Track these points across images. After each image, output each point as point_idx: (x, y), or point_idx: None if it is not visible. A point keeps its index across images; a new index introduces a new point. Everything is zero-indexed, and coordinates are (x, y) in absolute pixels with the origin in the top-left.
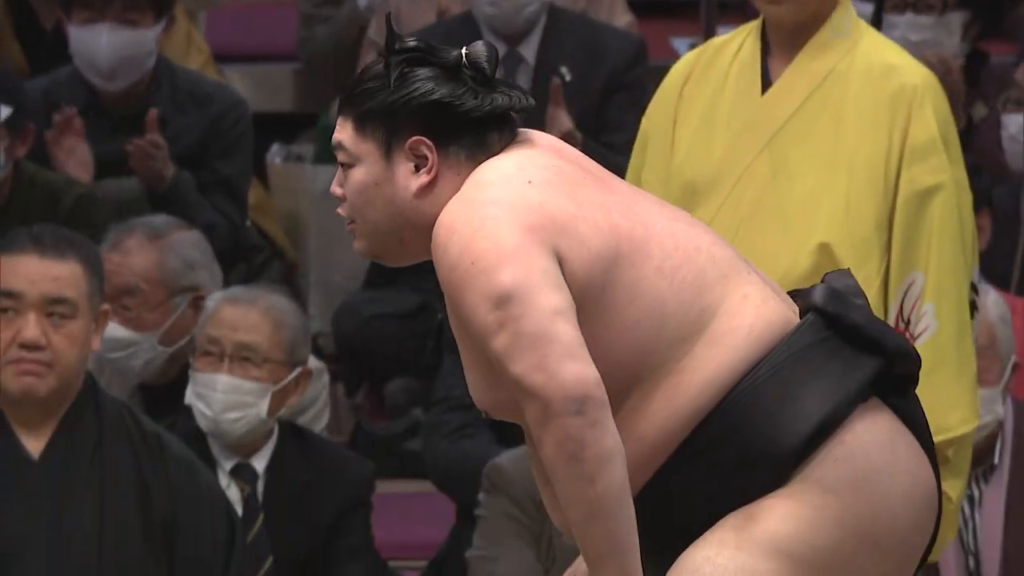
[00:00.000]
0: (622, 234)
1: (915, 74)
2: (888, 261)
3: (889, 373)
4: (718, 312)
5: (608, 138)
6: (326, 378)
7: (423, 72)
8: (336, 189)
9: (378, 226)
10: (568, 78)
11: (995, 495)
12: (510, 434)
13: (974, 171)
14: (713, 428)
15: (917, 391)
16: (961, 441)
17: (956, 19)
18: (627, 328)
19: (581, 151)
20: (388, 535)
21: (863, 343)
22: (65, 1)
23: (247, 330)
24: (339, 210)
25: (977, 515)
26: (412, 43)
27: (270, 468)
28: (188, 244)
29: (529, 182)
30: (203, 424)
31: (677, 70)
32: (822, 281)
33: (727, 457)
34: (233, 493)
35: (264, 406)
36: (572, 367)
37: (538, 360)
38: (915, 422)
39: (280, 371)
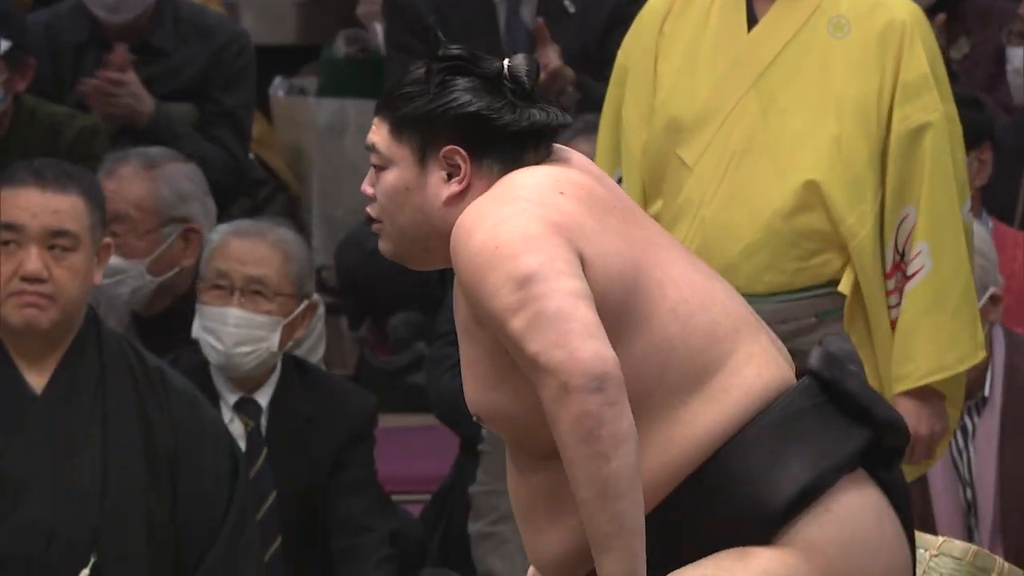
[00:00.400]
0: (642, 268)
1: (902, 9)
2: (882, 197)
3: (878, 443)
4: (722, 367)
5: (610, 72)
6: (321, 309)
7: (463, 82)
8: (367, 189)
9: (405, 231)
10: (572, 10)
11: (988, 426)
12: None
13: (975, 104)
14: (701, 482)
15: (917, 331)
16: (959, 376)
17: None
18: (632, 359)
19: (573, 87)
20: (391, 469)
21: (855, 412)
22: None
23: (257, 263)
24: (368, 209)
25: (971, 446)
26: (456, 51)
27: (274, 402)
28: (182, 176)
29: (561, 193)
30: (213, 358)
31: (655, 4)
32: (820, 344)
33: (716, 509)
34: (237, 428)
35: (275, 340)
36: (592, 345)
37: (558, 337)
38: (898, 496)
39: (289, 304)
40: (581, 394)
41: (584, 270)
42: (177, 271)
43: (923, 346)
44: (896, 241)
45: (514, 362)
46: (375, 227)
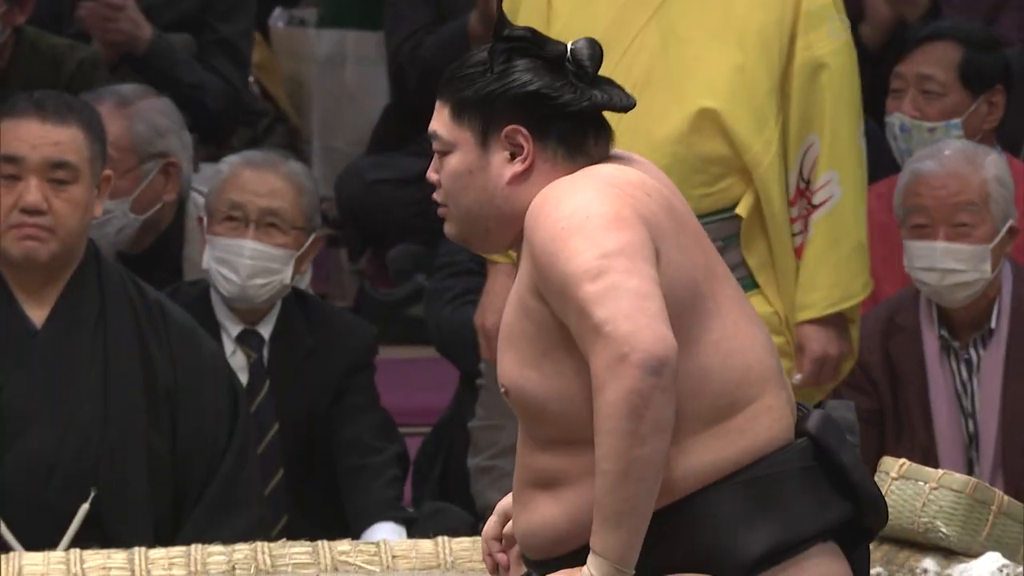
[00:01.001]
0: (700, 293)
1: None
2: (783, 124)
3: (857, 520)
4: (743, 411)
5: None
6: None
7: (524, 63)
8: (432, 175)
9: (469, 212)
10: None
11: (993, 359)
12: None
13: (990, 46)
14: (682, 511)
15: (825, 261)
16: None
17: None
18: None
19: None
20: (391, 400)
21: (842, 484)
22: None
23: (271, 196)
24: (434, 196)
25: (975, 379)
26: (520, 33)
27: (275, 334)
28: (156, 111)
29: (647, 195)
30: (226, 290)
31: None
32: (822, 407)
33: (689, 542)
34: (239, 360)
35: (289, 272)
36: (661, 328)
37: (630, 311)
38: (861, 574)
39: (301, 237)
40: (638, 370)
41: (658, 263)
42: (160, 207)
43: (830, 276)
44: (801, 169)
45: (556, 342)
46: (440, 211)
